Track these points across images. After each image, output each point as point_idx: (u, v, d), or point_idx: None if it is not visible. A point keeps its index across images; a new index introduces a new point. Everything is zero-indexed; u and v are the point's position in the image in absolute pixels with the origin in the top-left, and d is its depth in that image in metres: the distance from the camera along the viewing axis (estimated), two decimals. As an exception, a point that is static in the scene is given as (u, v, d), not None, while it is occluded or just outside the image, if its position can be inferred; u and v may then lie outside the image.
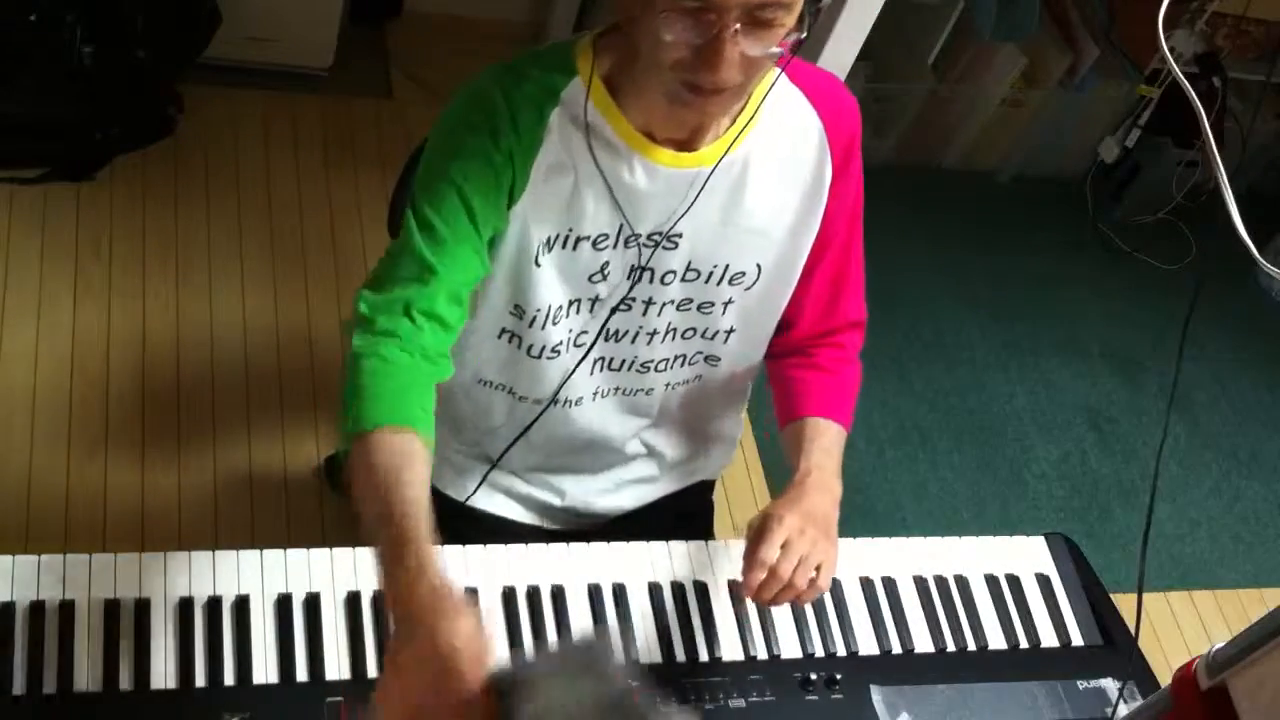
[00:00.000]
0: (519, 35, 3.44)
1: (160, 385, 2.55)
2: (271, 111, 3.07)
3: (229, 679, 1.35)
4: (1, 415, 2.42)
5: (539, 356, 1.53)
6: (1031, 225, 3.65)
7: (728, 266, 1.50)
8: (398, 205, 1.85)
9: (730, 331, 1.60)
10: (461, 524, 1.69)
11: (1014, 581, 1.68)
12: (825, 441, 1.58)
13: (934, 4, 3.31)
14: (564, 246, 1.44)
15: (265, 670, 1.37)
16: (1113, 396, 3.30)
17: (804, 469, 1.53)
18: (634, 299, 1.51)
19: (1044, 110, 3.55)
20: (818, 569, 1.43)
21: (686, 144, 1.40)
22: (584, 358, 1.55)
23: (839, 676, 1.50)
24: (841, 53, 2.23)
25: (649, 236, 1.45)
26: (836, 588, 1.60)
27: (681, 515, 1.82)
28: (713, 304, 1.55)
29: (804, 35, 1.24)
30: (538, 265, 1.44)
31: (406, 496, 1.20)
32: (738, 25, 1.19)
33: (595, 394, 1.61)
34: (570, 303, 1.49)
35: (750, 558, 1.42)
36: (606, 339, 1.55)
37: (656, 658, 1.49)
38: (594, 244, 1.44)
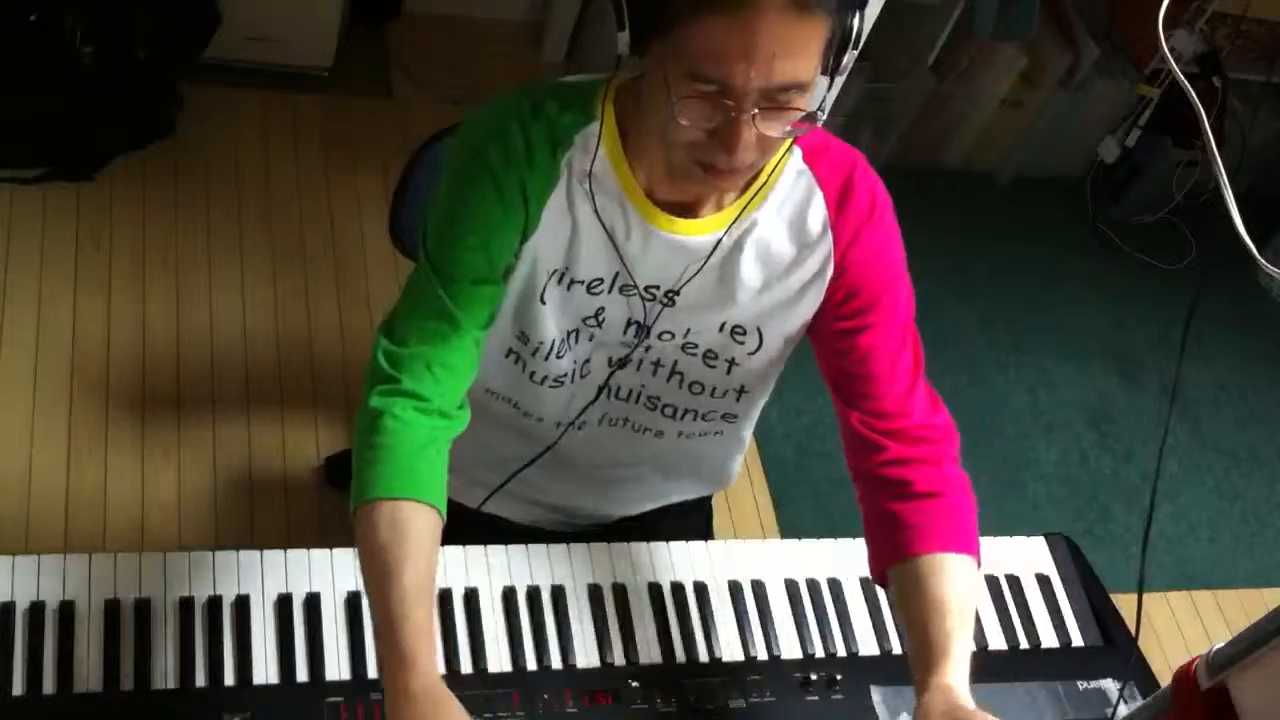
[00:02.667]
0: (519, 35, 3.44)
1: (160, 385, 2.55)
2: (271, 111, 3.07)
3: (229, 679, 1.35)
4: (2, 414, 2.42)
5: (541, 384, 1.52)
6: (1031, 225, 3.65)
7: (725, 323, 1.47)
8: (398, 207, 1.85)
9: (742, 390, 1.56)
10: (461, 523, 1.69)
11: (1014, 582, 1.68)
12: (965, 608, 1.35)
13: (934, 4, 3.30)
14: (559, 283, 1.42)
15: (265, 670, 1.37)
16: (1113, 396, 3.30)
17: (952, 672, 1.30)
18: (631, 357, 1.49)
19: (1044, 110, 3.55)
20: None
21: (688, 209, 1.37)
22: (595, 397, 1.55)
23: (839, 677, 1.51)
24: (841, 53, 2.23)
25: (646, 289, 1.42)
26: (836, 587, 1.60)
27: (682, 516, 1.82)
28: (716, 355, 1.51)
29: (822, 113, 1.22)
30: (543, 303, 1.42)
31: (402, 586, 1.23)
32: (756, 110, 1.18)
33: (603, 419, 1.60)
34: (570, 333, 1.47)
35: None
36: (611, 366, 1.53)
37: (656, 658, 1.49)
38: (588, 288, 1.42)
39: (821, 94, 1.25)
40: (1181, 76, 1.18)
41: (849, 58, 1.23)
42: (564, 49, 3.38)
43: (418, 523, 1.28)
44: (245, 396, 2.57)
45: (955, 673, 1.29)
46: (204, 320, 2.66)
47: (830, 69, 1.21)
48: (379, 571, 1.24)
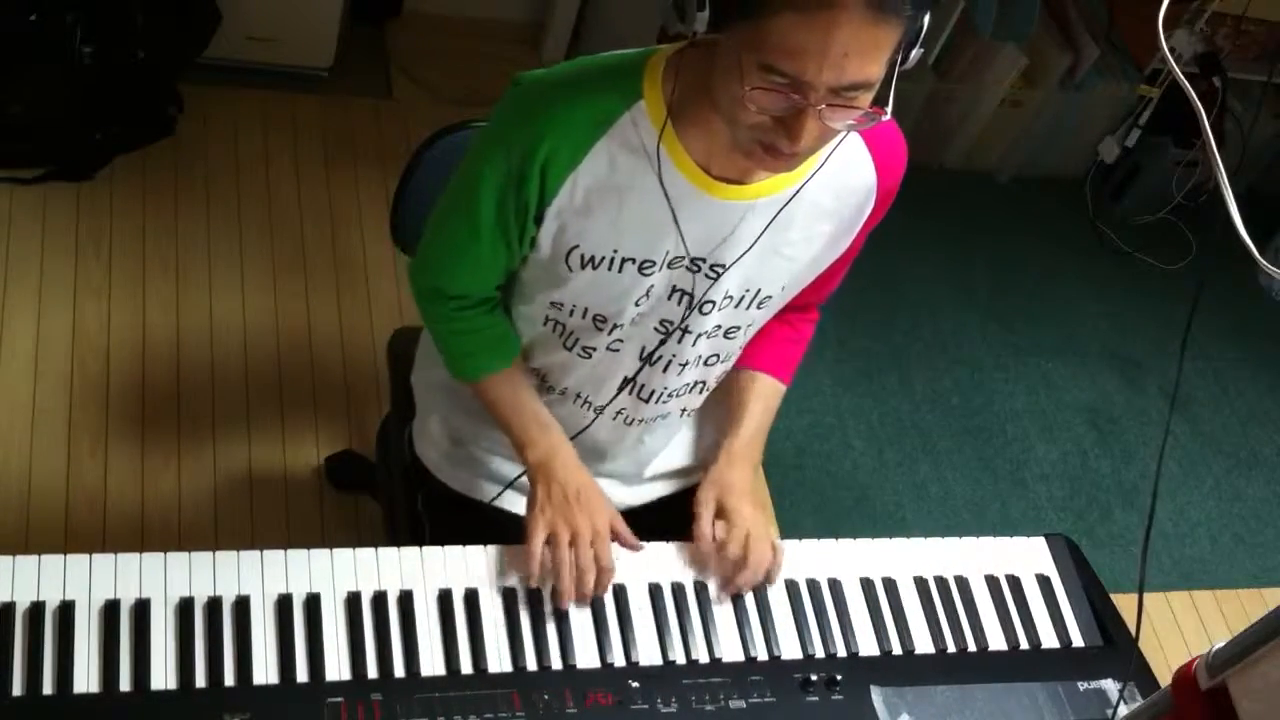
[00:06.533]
0: (519, 35, 3.44)
1: (160, 385, 2.55)
2: (271, 111, 3.07)
3: (229, 679, 1.35)
4: (2, 415, 2.42)
5: (572, 349, 1.55)
6: (1031, 225, 3.65)
7: (760, 290, 1.52)
8: (400, 206, 1.85)
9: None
10: (469, 518, 1.70)
11: (1014, 582, 1.68)
12: (763, 407, 1.68)
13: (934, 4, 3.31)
14: (610, 268, 1.45)
15: (265, 671, 1.37)
16: (1113, 397, 3.30)
17: (741, 438, 1.65)
18: (671, 323, 1.51)
19: (1044, 110, 3.55)
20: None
21: (740, 178, 1.41)
22: (622, 382, 1.58)
23: (839, 677, 1.50)
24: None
25: (693, 261, 1.45)
26: (836, 587, 1.60)
27: (683, 515, 1.82)
28: (739, 328, 1.56)
29: (886, 111, 1.25)
30: (569, 269, 1.45)
31: (524, 408, 1.59)
32: (823, 105, 1.21)
33: (619, 414, 1.63)
34: (608, 316, 1.50)
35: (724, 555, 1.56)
36: (641, 358, 1.56)
37: (656, 658, 1.49)
38: (640, 268, 1.45)
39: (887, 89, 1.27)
40: (1181, 76, 1.18)
41: (915, 54, 1.26)
42: (564, 49, 3.38)
43: (507, 379, 1.60)
44: (245, 397, 2.57)
45: (742, 445, 1.64)
46: (204, 320, 2.66)
47: (897, 65, 1.25)
48: (501, 417, 1.60)
